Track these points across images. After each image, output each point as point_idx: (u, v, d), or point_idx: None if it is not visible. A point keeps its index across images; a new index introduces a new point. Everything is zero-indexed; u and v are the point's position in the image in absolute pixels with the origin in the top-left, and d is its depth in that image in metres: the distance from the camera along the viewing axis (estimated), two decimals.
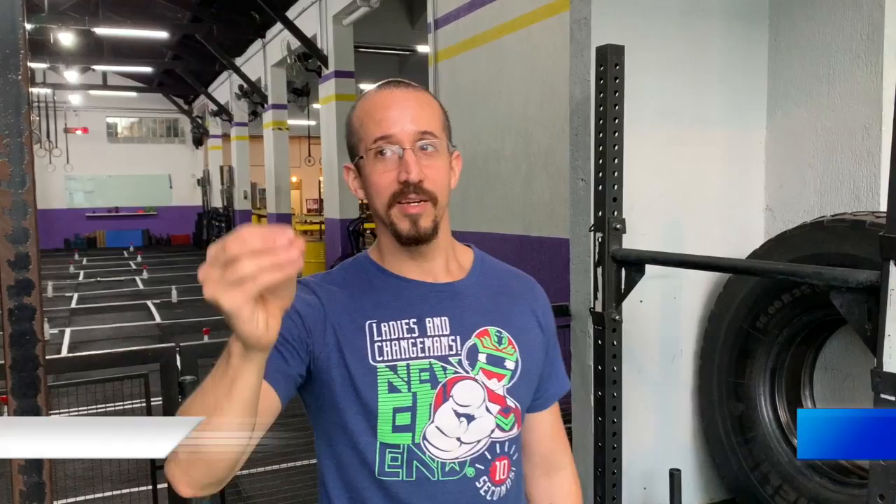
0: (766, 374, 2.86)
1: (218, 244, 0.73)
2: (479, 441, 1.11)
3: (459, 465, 1.10)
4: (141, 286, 12.93)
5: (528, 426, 1.25)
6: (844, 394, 2.89)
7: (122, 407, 3.17)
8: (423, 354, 1.10)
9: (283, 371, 1.05)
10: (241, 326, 0.75)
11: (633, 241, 2.64)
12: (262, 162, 14.51)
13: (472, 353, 1.12)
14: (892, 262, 1.59)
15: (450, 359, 1.11)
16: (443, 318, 1.13)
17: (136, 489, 3.36)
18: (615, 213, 2.44)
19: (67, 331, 8.84)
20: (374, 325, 1.10)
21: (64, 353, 7.47)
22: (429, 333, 1.11)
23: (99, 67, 16.68)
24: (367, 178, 1.10)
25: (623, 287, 2.44)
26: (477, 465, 1.11)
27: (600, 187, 2.45)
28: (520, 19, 5.69)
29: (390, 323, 1.11)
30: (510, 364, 1.15)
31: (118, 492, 3.41)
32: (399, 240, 1.09)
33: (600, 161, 2.44)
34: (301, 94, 12.15)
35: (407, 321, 1.11)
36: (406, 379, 1.08)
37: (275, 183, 13.69)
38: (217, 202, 19.04)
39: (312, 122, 15.55)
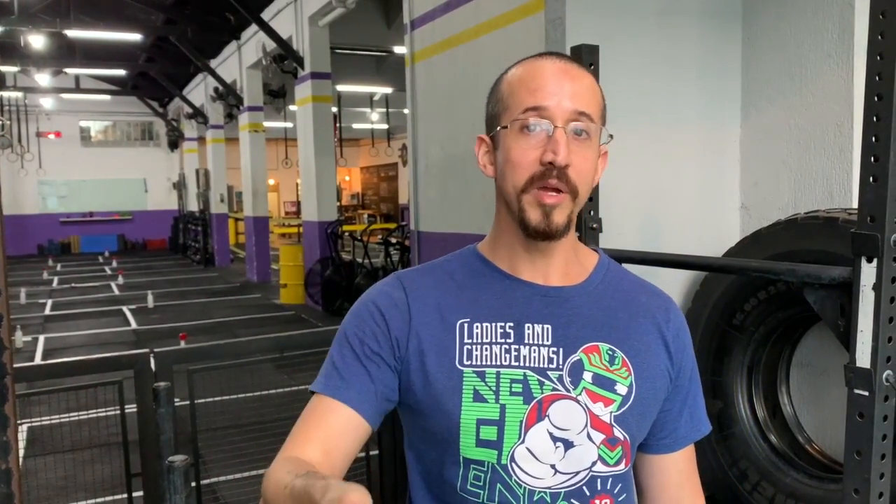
0: (743, 371, 2.88)
1: None
2: (576, 473, 0.96)
3: (551, 497, 0.96)
4: (116, 292, 12.78)
5: (652, 469, 1.11)
6: (820, 389, 2.92)
7: (96, 415, 3.12)
8: (516, 364, 0.98)
9: (367, 390, 0.99)
10: None
11: (609, 240, 2.64)
12: (239, 164, 14.38)
13: (577, 371, 0.98)
14: (863, 259, 1.60)
15: (548, 373, 0.98)
16: (545, 326, 1.00)
17: (110, 497, 3.31)
18: (591, 212, 2.44)
19: (41, 338, 8.71)
20: (466, 326, 1.00)
21: (38, 360, 7.36)
22: (526, 341, 0.99)
23: (71, 70, 16.42)
24: (506, 152, 0.98)
25: None
26: (572, 501, 0.96)
27: None
28: (496, 19, 5.69)
29: (484, 325, 1.00)
30: (621, 389, 0.99)
31: (93, 500, 3.36)
32: (525, 230, 0.97)
33: None
34: (277, 96, 12.06)
35: (503, 324, 0.99)
36: (494, 388, 0.96)
37: (252, 186, 13.57)
38: (193, 206, 18.84)
39: (289, 124, 15.46)
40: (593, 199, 2.44)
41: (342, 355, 1.02)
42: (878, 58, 1.54)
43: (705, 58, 3.07)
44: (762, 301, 2.74)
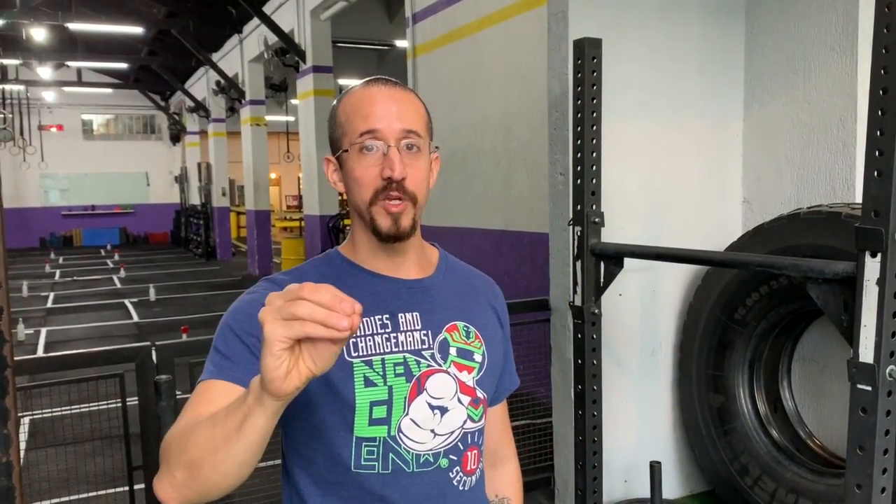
0: (745, 365, 2.88)
1: (297, 285, 0.76)
2: (452, 432, 1.14)
3: (433, 457, 1.12)
4: (118, 285, 12.78)
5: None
6: (821, 384, 2.92)
7: (97, 407, 3.12)
8: (397, 349, 1.12)
9: (257, 371, 1.03)
10: (266, 359, 0.76)
11: (611, 234, 2.64)
12: (241, 158, 14.36)
13: (444, 347, 1.16)
14: (867, 254, 1.59)
15: (423, 352, 1.14)
16: (414, 314, 1.15)
17: (112, 490, 3.31)
18: (593, 206, 2.44)
19: (43, 331, 8.72)
20: None
21: (40, 353, 7.37)
22: (402, 328, 1.14)
23: (73, 64, 16.41)
24: (350, 172, 1.11)
25: (602, 281, 2.44)
26: (451, 457, 1.14)
27: (579, 181, 2.44)
28: (498, 13, 5.67)
29: (365, 320, 1.12)
30: (478, 357, 1.19)
31: (94, 493, 3.36)
32: (378, 236, 1.11)
33: (578, 155, 2.43)
34: (279, 90, 12.05)
35: (380, 317, 1.13)
36: (381, 373, 1.10)
37: (253, 179, 13.56)
38: (195, 199, 18.83)
39: (291, 118, 15.44)
40: (595, 193, 2.44)
41: (227, 345, 1.06)
42: (884, 51, 1.53)
43: (708, 52, 3.06)
44: (764, 296, 2.73)
